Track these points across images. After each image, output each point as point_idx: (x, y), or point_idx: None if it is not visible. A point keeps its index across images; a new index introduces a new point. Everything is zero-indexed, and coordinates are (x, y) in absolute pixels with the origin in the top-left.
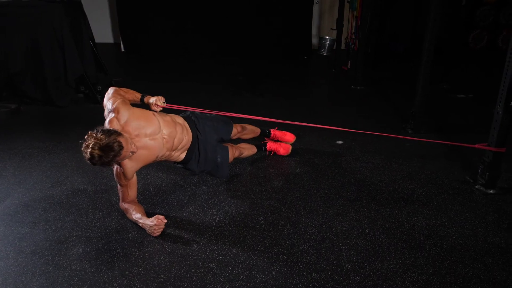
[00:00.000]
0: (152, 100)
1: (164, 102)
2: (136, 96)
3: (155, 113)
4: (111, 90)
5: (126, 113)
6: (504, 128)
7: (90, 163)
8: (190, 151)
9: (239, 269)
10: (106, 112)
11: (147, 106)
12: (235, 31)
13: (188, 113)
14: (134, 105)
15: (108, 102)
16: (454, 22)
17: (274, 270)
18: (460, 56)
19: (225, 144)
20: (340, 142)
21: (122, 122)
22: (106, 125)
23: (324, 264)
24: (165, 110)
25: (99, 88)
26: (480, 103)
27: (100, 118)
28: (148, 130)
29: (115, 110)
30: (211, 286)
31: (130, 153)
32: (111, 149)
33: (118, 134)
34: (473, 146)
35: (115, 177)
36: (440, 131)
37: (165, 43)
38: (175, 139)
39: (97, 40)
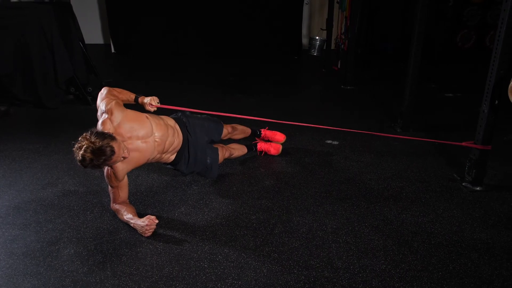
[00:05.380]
0: (146, 100)
1: (158, 103)
2: (130, 96)
3: (148, 116)
4: (104, 91)
5: (120, 115)
6: (490, 126)
7: (80, 165)
8: (180, 152)
9: (231, 267)
10: (99, 113)
11: (140, 107)
12: (226, 31)
13: (179, 115)
14: (127, 106)
15: (101, 103)
16: (442, 22)
17: (265, 268)
18: (448, 55)
19: (215, 145)
20: (330, 141)
21: (115, 123)
22: (99, 126)
23: (314, 261)
24: (158, 110)
25: (90, 89)
26: (468, 102)
27: (90, 119)
28: (140, 132)
29: (108, 111)
30: (203, 285)
31: (121, 158)
32: (103, 153)
33: (112, 138)
34: (459, 144)
35: (105, 178)
36: (428, 130)
37: (155, 43)
38: (167, 142)
39: (87, 41)
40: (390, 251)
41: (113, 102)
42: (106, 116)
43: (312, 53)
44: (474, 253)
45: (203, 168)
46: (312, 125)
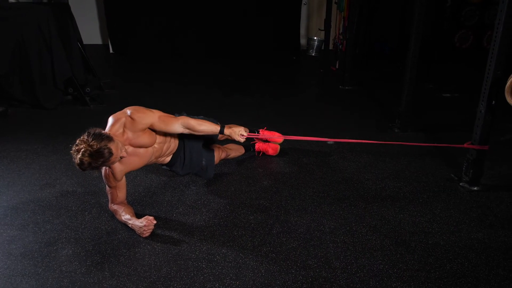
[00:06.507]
0: (236, 132)
1: (247, 132)
2: (215, 129)
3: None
4: (179, 118)
5: (137, 134)
6: (487, 126)
7: (79, 168)
8: (176, 154)
9: (229, 268)
10: (128, 110)
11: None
12: (224, 31)
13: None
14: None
15: (143, 111)
16: (439, 22)
17: (263, 268)
18: (446, 55)
19: (211, 146)
20: (328, 142)
21: (126, 128)
22: (110, 120)
23: (312, 261)
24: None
25: (88, 90)
26: (466, 102)
27: (89, 120)
28: (144, 142)
29: (130, 118)
30: (200, 285)
31: (120, 158)
32: (101, 155)
33: (109, 139)
34: (462, 146)
35: (103, 178)
36: (426, 130)
37: (154, 44)
38: (164, 147)
39: (85, 42)
40: (388, 251)
41: (147, 125)
42: (127, 116)
43: (310, 54)
44: (471, 252)
45: (198, 169)
46: (315, 139)
